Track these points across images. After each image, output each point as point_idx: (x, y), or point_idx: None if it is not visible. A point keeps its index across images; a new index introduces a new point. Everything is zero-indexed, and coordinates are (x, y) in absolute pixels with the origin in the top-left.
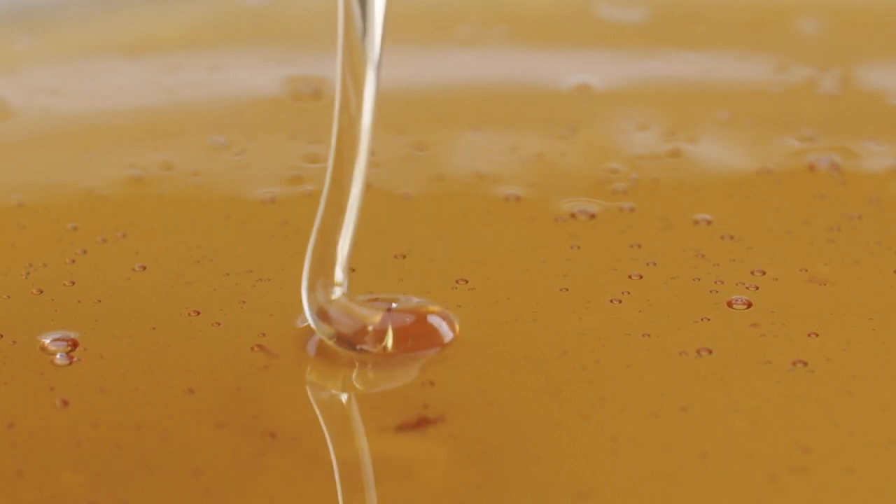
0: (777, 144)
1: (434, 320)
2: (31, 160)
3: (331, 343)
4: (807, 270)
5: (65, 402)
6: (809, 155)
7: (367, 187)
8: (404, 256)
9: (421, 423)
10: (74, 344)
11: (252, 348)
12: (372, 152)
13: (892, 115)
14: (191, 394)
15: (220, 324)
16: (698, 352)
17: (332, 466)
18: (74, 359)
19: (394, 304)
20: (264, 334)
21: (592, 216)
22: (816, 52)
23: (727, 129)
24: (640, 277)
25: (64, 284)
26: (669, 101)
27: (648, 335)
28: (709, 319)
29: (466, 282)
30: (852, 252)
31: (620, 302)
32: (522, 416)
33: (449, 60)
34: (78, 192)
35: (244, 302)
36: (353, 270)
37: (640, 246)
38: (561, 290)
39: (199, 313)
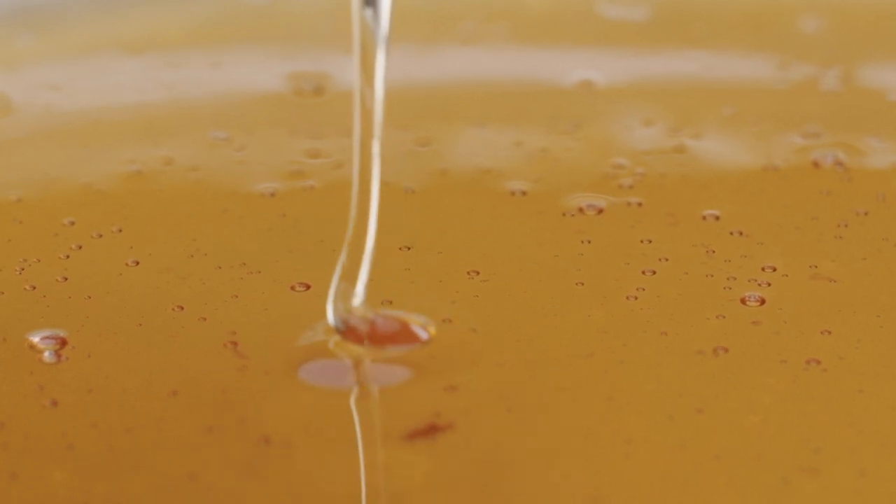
0: (781, 141)
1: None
2: (32, 156)
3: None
4: (816, 267)
5: (54, 403)
6: (814, 151)
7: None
8: (409, 248)
9: (431, 430)
10: (63, 342)
11: (224, 345)
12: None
13: (894, 111)
14: (175, 395)
15: (205, 319)
16: (715, 350)
17: (332, 472)
18: (63, 357)
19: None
20: (235, 332)
21: (600, 211)
22: (818, 49)
23: (731, 126)
24: (654, 273)
25: (56, 280)
26: (672, 98)
27: (666, 333)
28: (724, 317)
29: (478, 273)
30: (860, 249)
31: (636, 298)
32: (539, 418)
33: (452, 57)
34: (76, 187)
35: (236, 296)
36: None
37: (650, 241)
38: (577, 284)
39: (182, 308)
